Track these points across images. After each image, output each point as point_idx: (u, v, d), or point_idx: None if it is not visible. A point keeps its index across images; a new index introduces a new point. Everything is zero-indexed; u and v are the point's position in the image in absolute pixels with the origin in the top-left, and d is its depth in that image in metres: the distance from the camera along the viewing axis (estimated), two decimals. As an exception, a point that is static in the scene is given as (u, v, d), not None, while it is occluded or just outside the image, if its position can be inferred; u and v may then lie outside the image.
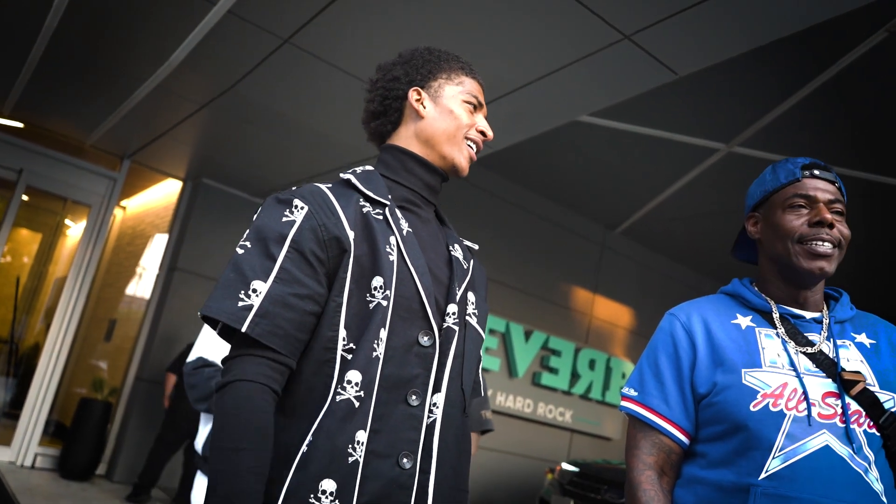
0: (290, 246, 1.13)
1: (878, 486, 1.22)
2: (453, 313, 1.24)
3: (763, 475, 1.21)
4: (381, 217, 1.22)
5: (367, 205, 1.23)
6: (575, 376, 7.33)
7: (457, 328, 1.24)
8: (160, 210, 6.63)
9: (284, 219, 1.15)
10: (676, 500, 1.34)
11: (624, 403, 1.42)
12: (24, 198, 6.00)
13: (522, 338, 6.91)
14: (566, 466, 5.31)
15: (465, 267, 1.35)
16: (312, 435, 1.07)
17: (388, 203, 1.24)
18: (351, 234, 1.17)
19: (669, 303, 1.54)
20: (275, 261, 1.12)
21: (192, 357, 2.42)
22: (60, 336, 5.82)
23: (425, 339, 1.18)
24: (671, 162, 5.77)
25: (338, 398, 1.08)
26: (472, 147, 1.36)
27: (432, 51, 1.40)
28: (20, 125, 5.61)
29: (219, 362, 2.40)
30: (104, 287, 7.32)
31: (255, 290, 1.10)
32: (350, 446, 1.06)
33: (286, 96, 4.03)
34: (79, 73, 4.33)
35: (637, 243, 7.96)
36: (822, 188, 1.35)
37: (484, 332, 1.36)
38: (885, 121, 4.62)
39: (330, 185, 1.24)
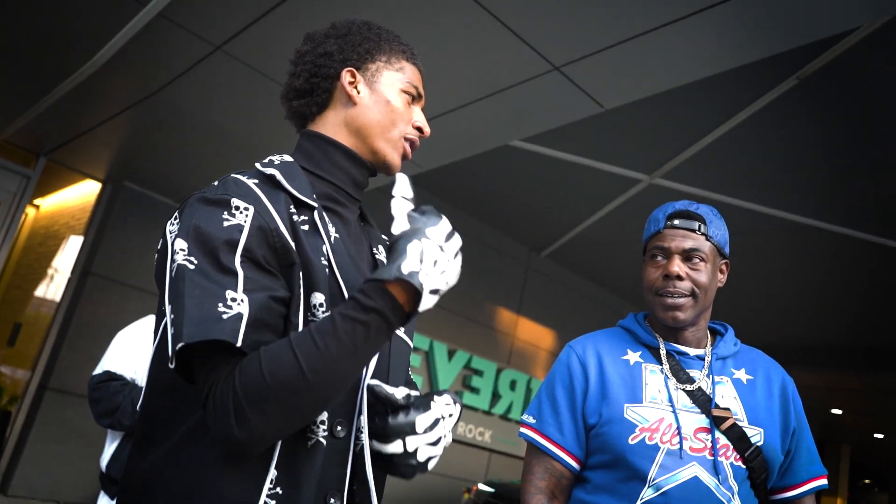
0: (242, 255, 0.95)
1: None
2: None
3: (638, 502, 1.33)
4: (307, 221, 1.06)
5: (293, 208, 1.05)
6: (496, 396, 7.40)
7: None
8: (76, 211, 6.37)
9: (227, 223, 0.96)
10: None
11: (522, 430, 1.52)
12: (-73, 192, 5.66)
13: (446, 357, 6.94)
14: (483, 487, 5.34)
15: None
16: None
17: (315, 206, 1.08)
18: (293, 244, 1.01)
19: (591, 326, 1.61)
20: (235, 273, 0.93)
21: (97, 370, 2.32)
22: (-41, 339, 5.50)
23: None
24: (596, 190, 5.95)
25: None
26: (407, 145, 1.20)
27: (371, 27, 1.23)
28: (-73, 114, 5.31)
29: (127, 376, 2.31)
30: (11, 289, 6.97)
31: (233, 299, 0.91)
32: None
33: (216, 103, 3.96)
34: (-5, 64, 4.14)
35: (561, 267, 8.14)
36: (679, 238, 1.44)
37: (411, 339, 1.25)
38: (794, 161, 4.91)
39: (256, 182, 1.05)
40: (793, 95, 4.18)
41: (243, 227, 0.97)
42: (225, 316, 0.89)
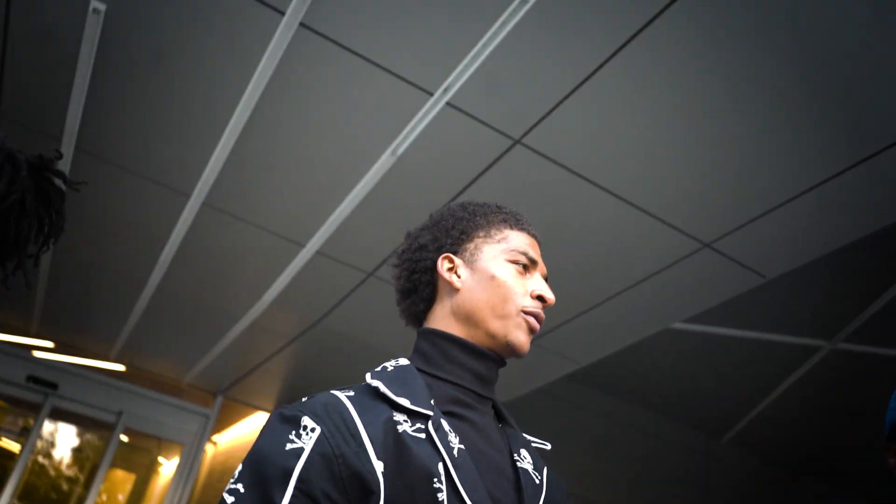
0: (295, 487, 0.81)
1: None
2: None
3: None
4: (422, 435, 0.90)
5: (403, 418, 0.91)
6: None
7: None
8: (249, 445, 6.62)
9: (289, 446, 0.84)
10: None
11: None
12: (123, 438, 6.13)
13: (633, 568, 6.23)
14: None
15: (538, 482, 1.00)
16: None
17: (430, 414, 0.92)
18: (379, 467, 0.85)
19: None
20: None
21: None
22: (146, 585, 5.61)
23: None
24: (772, 364, 5.48)
25: None
26: (530, 318, 1.04)
27: (466, 206, 1.13)
28: (122, 368, 5.89)
29: None
30: (192, 527, 7.16)
31: None
32: None
33: (371, 326, 4.12)
34: (180, 318, 4.59)
35: (745, 452, 7.35)
36: None
37: None
38: None
39: (351, 395, 0.93)
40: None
41: (301, 453, 0.83)
42: None
